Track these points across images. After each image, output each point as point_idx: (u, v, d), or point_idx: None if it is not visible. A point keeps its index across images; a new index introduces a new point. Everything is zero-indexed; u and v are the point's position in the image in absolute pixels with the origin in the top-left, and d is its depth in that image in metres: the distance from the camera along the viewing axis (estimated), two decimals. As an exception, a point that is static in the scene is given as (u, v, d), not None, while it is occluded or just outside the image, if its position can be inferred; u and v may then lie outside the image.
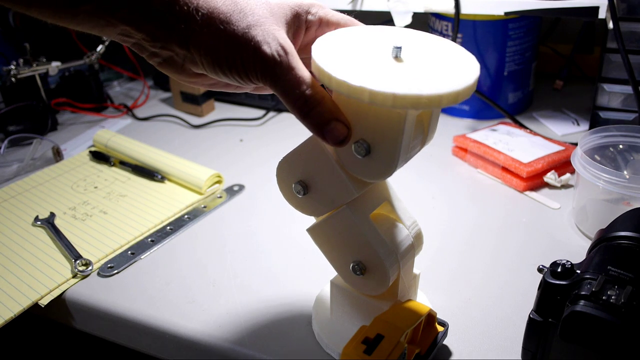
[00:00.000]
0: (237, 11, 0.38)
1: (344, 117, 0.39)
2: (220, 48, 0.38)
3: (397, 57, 0.38)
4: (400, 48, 0.38)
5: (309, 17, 0.42)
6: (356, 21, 0.44)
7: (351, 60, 0.38)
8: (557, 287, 0.43)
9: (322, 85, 0.39)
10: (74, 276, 0.61)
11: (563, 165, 0.75)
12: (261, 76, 0.38)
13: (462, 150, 0.82)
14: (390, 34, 0.42)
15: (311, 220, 0.48)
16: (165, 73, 0.43)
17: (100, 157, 0.85)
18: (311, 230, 0.47)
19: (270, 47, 0.37)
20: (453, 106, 0.94)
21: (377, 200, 0.47)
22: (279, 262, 0.63)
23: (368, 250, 0.45)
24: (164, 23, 0.38)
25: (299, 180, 0.44)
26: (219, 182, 0.78)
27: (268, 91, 0.43)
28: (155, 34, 0.38)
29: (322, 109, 0.38)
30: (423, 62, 0.38)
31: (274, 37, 0.37)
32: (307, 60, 0.40)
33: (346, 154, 0.41)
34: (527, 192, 0.73)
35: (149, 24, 0.38)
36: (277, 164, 0.45)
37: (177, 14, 0.37)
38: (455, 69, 0.37)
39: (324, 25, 0.42)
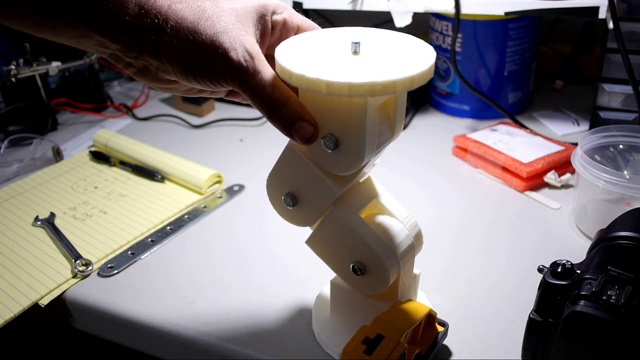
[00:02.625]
0: (205, 19, 0.39)
1: (310, 116, 0.40)
2: (191, 57, 0.39)
3: (355, 52, 0.39)
4: (358, 43, 0.39)
5: (275, 17, 0.43)
6: (319, 27, 0.46)
7: (311, 57, 0.39)
8: (557, 287, 0.43)
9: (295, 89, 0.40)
10: (74, 276, 0.61)
11: (563, 165, 0.75)
12: (230, 81, 0.40)
13: (462, 150, 0.82)
14: (353, 34, 0.43)
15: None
16: (141, 82, 0.44)
17: (100, 157, 0.85)
18: (310, 241, 0.48)
19: (237, 53, 0.39)
20: (453, 106, 0.95)
21: (365, 199, 0.48)
22: (279, 262, 0.63)
23: (364, 248, 0.45)
24: (136, 34, 0.39)
25: (287, 192, 0.46)
26: (219, 182, 0.78)
27: (241, 97, 0.44)
28: (129, 45, 0.40)
29: (287, 109, 0.40)
30: (381, 55, 0.40)
31: (240, 42, 0.39)
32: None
33: (318, 150, 0.42)
34: (527, 192, 0.73)
35: (122, 35, 0.39)
36: (265, 182, 0.47)
37: (148, 26, 0.39)
38: (412, 58, 0.39)
39: (289, 26, 0.44)
